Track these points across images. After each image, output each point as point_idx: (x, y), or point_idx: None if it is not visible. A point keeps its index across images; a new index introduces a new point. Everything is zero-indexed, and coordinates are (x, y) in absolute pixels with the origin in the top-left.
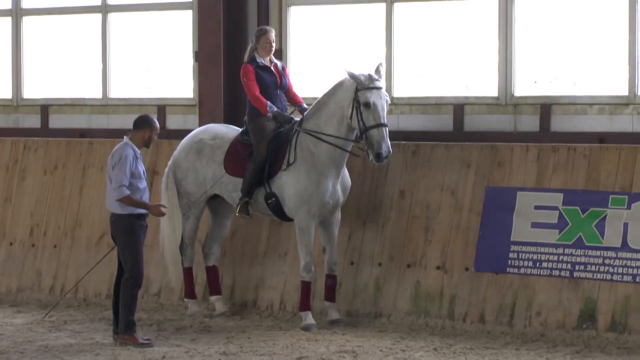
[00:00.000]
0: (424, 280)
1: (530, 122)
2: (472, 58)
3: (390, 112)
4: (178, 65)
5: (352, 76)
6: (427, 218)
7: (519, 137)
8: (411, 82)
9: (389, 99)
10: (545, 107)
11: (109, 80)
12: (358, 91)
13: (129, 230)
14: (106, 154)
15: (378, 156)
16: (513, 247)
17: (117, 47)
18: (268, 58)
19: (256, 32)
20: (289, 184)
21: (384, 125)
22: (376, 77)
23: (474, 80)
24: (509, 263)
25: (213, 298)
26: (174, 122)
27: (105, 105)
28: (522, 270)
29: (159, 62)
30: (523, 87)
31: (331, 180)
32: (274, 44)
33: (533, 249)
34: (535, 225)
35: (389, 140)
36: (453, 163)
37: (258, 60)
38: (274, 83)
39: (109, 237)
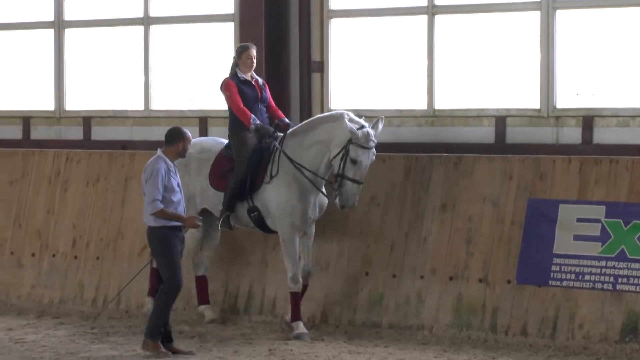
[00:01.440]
0: (466, 292)
1: (572, 134)
2: (514, 70)
3: (431, 124)
4: (220, 77)
5: (351, 131)
6: (469, 230)
7: (561, 149)
8: (453, 94)
9: (374, 157)
10: (588, 119)
11: (151, 92)
12: (351, 143)
13: (164, 242)
14: None
15: (342, 207)
16: (555, 260)
17: (159, 59)
18: (249, 73)
19: (238, 48)
20: (271, 198)
21: (361, 183)
22: (372, 135)
23: (516, 92)
24: (552, 276)
25: (202, 307)
26: (215, 133)
27: (147, 117)
28: (565, 283)
29: (200, 74)
30: (565, 99)
31: (313, 195)
32: (254, 60)
33: (575, 261)
34: (577, 237)
35: (358, 195)
36: (495, 175)
37: (239, 75)
38: (255, 97)
39: None
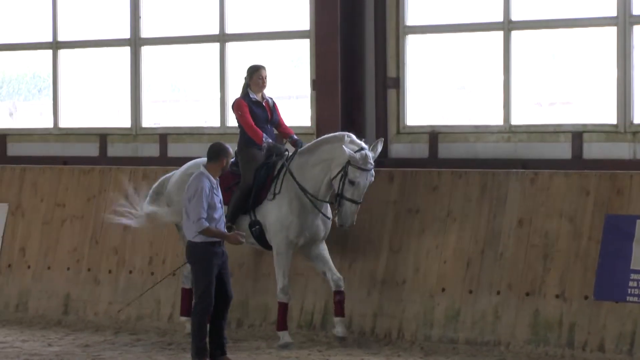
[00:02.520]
0: (543, 308)
1: None
2: (591, 85)
3: (508, 139)
4: (296, 93)
5: (349, 154)
6: (546, 246)
7: (638, 164)
8: (529, 110)
9: (373, 178)
10: None
11: (227, 109)
12: (350, 165)
13: (202, 259)
14: None
15: (341, 225)
16: (633, 276)
17: (235, 76)
18: (260, 94)
19: (249, 69)
20: (272, 212)
21: (359, 203)
22: (371, 157)
23: (593, 107)
24: (629, 291)
25: (183, 319)
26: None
27: (224, 134)
28: None
29: (277, 90)
30: None
31: (311, 214)
32: (266, 80)
33: None
34: None
35: (356, 215)
36: (572, 191)
37: (251, 96)
38: (265, 118)
39: None
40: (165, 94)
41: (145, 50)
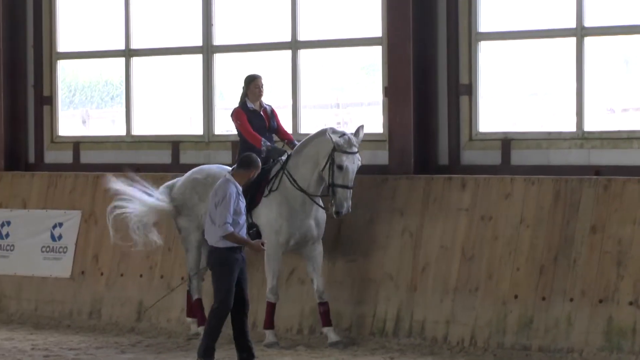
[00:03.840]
0: (616, 315)
1: None
2: None
3: (581, 146)
4: (368, 100)
5: (332, 139)
6: (619, 253)
7: None
8: (602, 116)
9: (360, 163)
10: None
11: (299, 116)
12: (335, 151)
13: (223, 264)
14: None
15: (337, 213)
16: None
17: (307, 83)
18: (258, 103)
19: (245, 78)
20: (263, 214)
21: (350, 187)
22: (355, 141)
23: None
24: None
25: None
26: (364, 157)
27: (299, 141)
28: None
29: (349, 97)
30: None
31: (300, 215)
32: (263, 89)
33: None
34: None
35: (350, 200)
36: None
37: (249, 105)
38: (263, 126)
39: (299, 273)
40: (237, 101)
41: (218, 57)
